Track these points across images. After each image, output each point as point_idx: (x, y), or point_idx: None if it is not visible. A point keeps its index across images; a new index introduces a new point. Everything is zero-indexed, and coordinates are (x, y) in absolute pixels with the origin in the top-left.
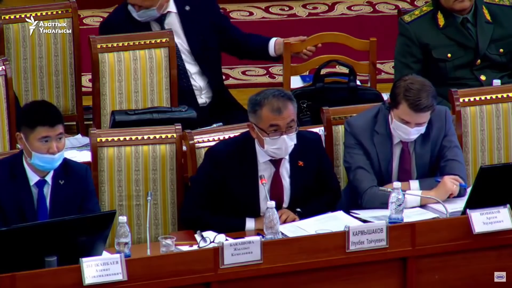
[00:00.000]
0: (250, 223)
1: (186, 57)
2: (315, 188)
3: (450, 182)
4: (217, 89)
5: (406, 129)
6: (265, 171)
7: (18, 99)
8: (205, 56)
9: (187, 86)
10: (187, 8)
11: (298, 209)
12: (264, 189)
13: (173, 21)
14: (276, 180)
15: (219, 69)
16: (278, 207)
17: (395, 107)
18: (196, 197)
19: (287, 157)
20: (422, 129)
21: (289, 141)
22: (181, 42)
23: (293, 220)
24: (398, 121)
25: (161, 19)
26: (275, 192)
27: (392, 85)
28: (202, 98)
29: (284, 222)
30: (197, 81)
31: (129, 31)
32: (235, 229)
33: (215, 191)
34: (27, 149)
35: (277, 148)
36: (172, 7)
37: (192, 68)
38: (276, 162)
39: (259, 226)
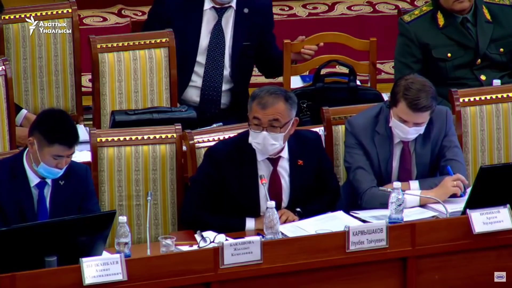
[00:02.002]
0: (250, 223)
1: (225, 57)
2: (315, 188)
3: (451, 184)
4: (237, 97)
5: (404, 128)
6: (263, 170)
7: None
8: (241, 62)
9: (217, 88)
10: (246, 10)
11: (298, 209)
12: (264, 189)
13: (230, 18)
14: (274, 179)
15: (249, 79)
16: (277, 206)
17: (394, 106)
18: (195, 197)
19: (285, 156)
20: (421, 129)
21: (270, 139)
22: (228, 41)
23: (293, 221)
24: (396, 119)
25: (221, 11)
26: (274, 191)
27: (393, 83)
28: (224, 100)
29: (284, 222)
30: (224, 85)
31: (180, 12)
32: (235, 229)
33: (215, 191)
34: (36, 157)
35: (257, 142)
36: (234, 3)
37: (225, 71)
38: (273, 161)
39: (259, 226)
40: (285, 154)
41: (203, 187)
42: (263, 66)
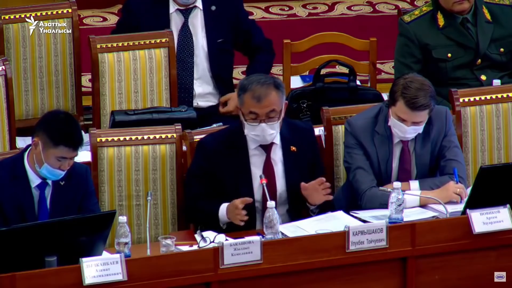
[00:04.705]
0: (222, 208)
1: (198, 58)
2: (309, 178)
3: (454, 189)
4: (224, 95)
5: (402, 127)
6: (256, 157)
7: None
8: (220, 59)
9: (189, 88)
10: (213, 8)
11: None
12: (265, 189)
13: (198, 18)
14: (268, 166)
15: (230, 74)
16: (273, 195)
17: (393, 104)
18: (190, 188)
19: (278, 143)
20: (419, 129)
21: (269, 129)
22: (200, 41)
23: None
24: (395, 118)
25: (186, 12)
26: (268, 178)
27: (392, 82)
28: (202, 102)
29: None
30: (199, 87)
31: (147, 18)
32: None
33: (208, 182)
34: (40, 158)
35: (255, 134)
36: (199, 3)
37: (198, 71)
38: (266, 148)
39: (230, 215)
40: (277, 140)
41: (198, 178)
42: (249, 54)
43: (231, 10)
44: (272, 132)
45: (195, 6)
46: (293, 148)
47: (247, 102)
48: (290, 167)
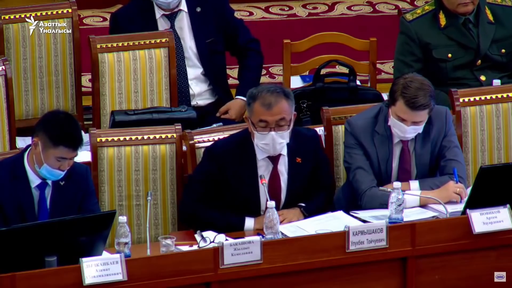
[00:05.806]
0: (249, 223)
1: (189, 60)
2: (311, 186)
3: (453, 189)
4: (220, 94)
5: (402, 127)
6: (263, 169)
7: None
8: (211, 60)
9: (185, 91)
10: (198, 9)
11: (302, 204)
12: (264, 189)
13: (183, 21)
14: (274, 177)
15: (224, 74)
16: (276, 205)
17: (393, 104)
18: (193, 192)
19: (285, 153)
20: (419, 129)
21: (278, 138)
22: (188, 43)
23: (291, 221)
24: (395, 118)
25: (172, 17)
26: (273, 189)
27: (392, 82)
28: (200, 101)
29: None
30: (195, 86)
31: (135, 26)
32: (234, 227)
33: (214, 188)
34: (39, 158)
35: (265, 143)
36: (183, 6)
37: (193, 72)
38: (274, 159)
39: (258, 226)
40: (284, 151)
41: (201, 183)
42: (236, 54)
43: (217, 9)
44: (281, 141)
45: (180, 10)
46: (298, 160)
47: (257, 110)
48: (294, 179)
